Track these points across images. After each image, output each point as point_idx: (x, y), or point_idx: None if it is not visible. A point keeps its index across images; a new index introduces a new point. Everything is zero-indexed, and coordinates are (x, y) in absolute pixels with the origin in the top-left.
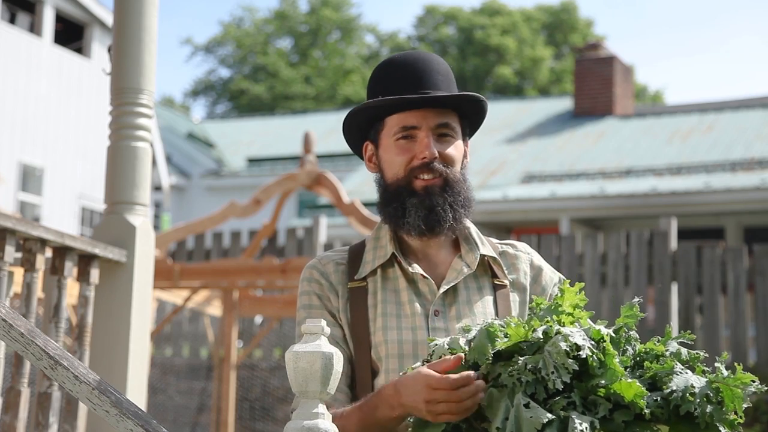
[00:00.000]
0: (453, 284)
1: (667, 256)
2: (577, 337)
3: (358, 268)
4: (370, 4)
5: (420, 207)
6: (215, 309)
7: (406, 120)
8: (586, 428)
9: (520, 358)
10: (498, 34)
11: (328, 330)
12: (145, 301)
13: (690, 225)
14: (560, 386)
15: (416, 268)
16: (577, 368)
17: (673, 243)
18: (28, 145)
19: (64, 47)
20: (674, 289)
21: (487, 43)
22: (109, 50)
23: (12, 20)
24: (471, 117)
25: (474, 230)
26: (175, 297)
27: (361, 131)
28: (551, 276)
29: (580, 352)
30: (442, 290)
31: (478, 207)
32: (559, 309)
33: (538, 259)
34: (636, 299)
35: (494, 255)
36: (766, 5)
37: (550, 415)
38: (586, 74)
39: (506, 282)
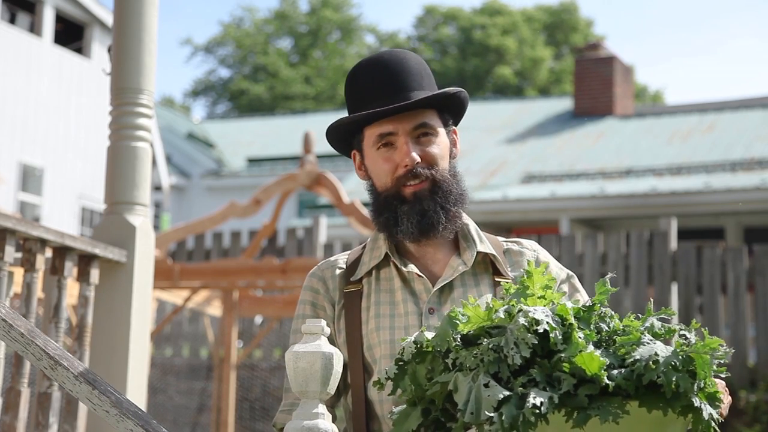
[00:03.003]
0: (448, 281)
1: (667, 256)
2: (539, 313)
3: (356, 271)
4: (370, 4)
5: (411, 213)
6: (215, 309)
7: (382, 128)
8: (541, 402)
9: (486, 341)
10: (498, 34)
11: (328, 330)
12: (145, 301)
13: (690, 225)
14: (519, 361)
15: (411, 268)
16: (537, 342)
17: (673, 243)
18: (28, 145)
19: (64, 47)
20: (674, 289)
21: (487, 44)
22: (109, 50)
23: (12, 20)
24: (451, 108)
25: (473, 227)
26: (175, 297)
27: (345, 141)
28: (557, 272)
29: (539, 327)
30: (436, 287)
31: (478, 207)
32: (527, 292)
33: (545, 256)
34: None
35: (493, 252)
36: (765, 6)
37: (506, 392)
38: (586, 74)
39: (508, 279)
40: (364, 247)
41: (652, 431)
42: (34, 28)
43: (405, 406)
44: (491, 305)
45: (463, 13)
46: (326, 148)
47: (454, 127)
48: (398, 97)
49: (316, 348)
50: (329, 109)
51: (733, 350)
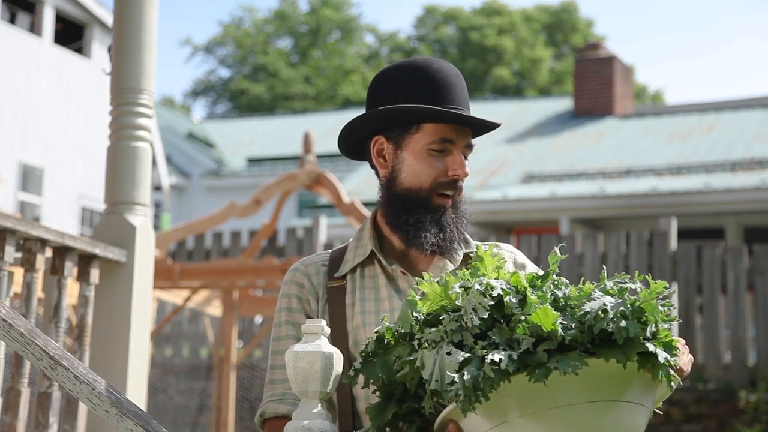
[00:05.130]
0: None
1: (667, 256)
2: (493, 281)
3: (339, 268)
4: (370, 4)
5: (434, 224)
6: (215, 309)
7: (446, 132)
8: (500, 359)
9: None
10: (497, 35)
11: (328, 330)
12: (145, 301)
13: (690, 225)
14: (477, 322)
15: (396, 266)
16: (492, 304)
17: (673, 243)
18: (28, 145)
19: (64, 47)
20: (674, 289)
21: (487, 44)
22: (109, 50)
23: (12, 20)
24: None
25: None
26: (175, 297)
27: (376, 124)
28: (534, 272)
29: (493, 291)
30: None
31: (478, 207)
32: (479, 273)
33: (522, 258)
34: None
35: (475, 250)
36: (766, 7)
37: (466, 354)
38: (586, 74)
39: None
40: (346, 246)
41: (618, 387)
42: (34, 28)
43: (379, 400)
44: (446, 280)
45: (463, 13)
46: (326, 147)
47: None
48: (466, 109)
49: (316, 348)
50: (329, 109)
51: (674, 290)
